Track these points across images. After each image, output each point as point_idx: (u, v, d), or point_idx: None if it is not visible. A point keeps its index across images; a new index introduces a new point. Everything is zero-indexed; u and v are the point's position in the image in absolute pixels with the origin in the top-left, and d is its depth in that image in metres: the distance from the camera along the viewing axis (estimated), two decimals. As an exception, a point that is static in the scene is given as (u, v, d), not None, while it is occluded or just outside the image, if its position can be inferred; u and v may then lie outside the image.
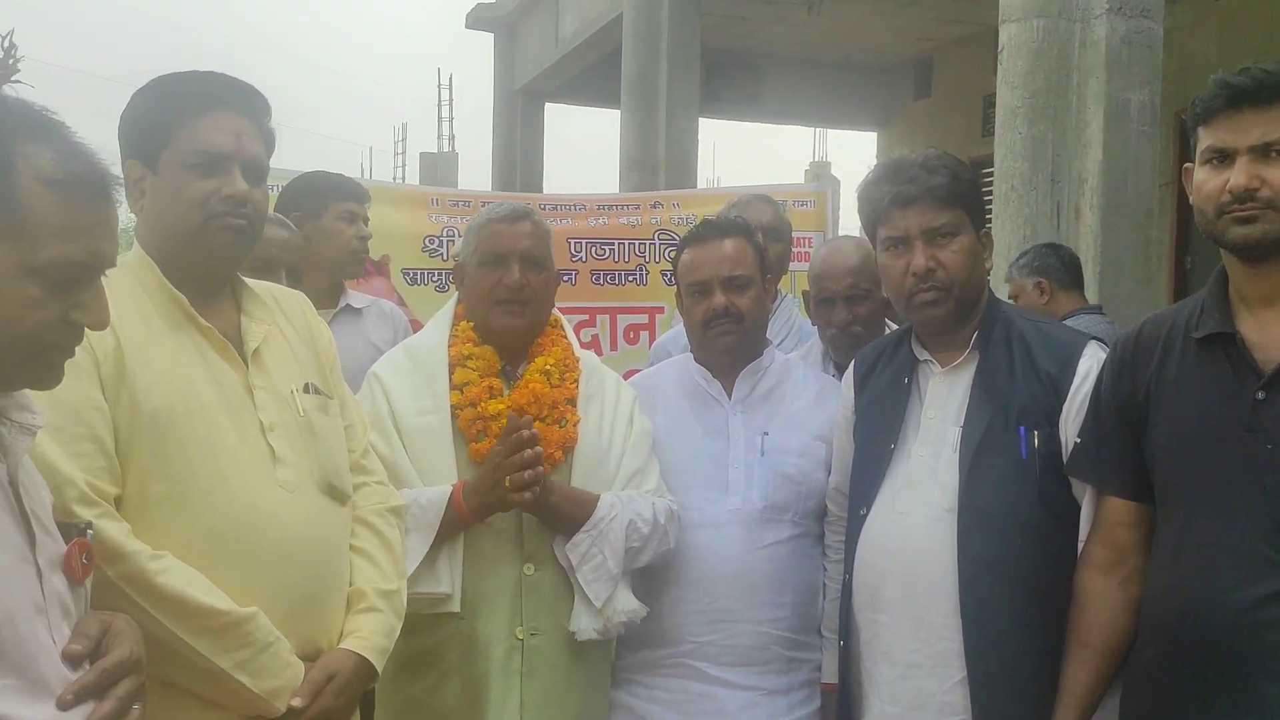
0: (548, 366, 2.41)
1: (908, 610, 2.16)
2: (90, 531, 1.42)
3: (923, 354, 2.28)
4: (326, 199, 3.46)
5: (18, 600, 1.23)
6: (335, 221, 3.43)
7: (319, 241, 3.41)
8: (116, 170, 1.37)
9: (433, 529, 2.21)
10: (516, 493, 2.20)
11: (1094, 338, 2.21)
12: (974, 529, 2.09)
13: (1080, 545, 2.06)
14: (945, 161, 2.19)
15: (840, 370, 2.93)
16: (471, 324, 2.46)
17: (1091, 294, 4.11)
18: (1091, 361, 2.10)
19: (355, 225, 3.46)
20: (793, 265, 4.29)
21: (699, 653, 2.44)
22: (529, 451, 2.20)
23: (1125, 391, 1.94)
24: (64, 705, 1.26)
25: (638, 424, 2.50)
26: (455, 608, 2.25)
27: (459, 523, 2.24)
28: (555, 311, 2.57)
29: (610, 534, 2.29)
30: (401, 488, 2.21)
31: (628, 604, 2.33)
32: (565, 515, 2.30)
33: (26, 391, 1.35)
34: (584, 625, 2.30)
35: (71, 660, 1.30)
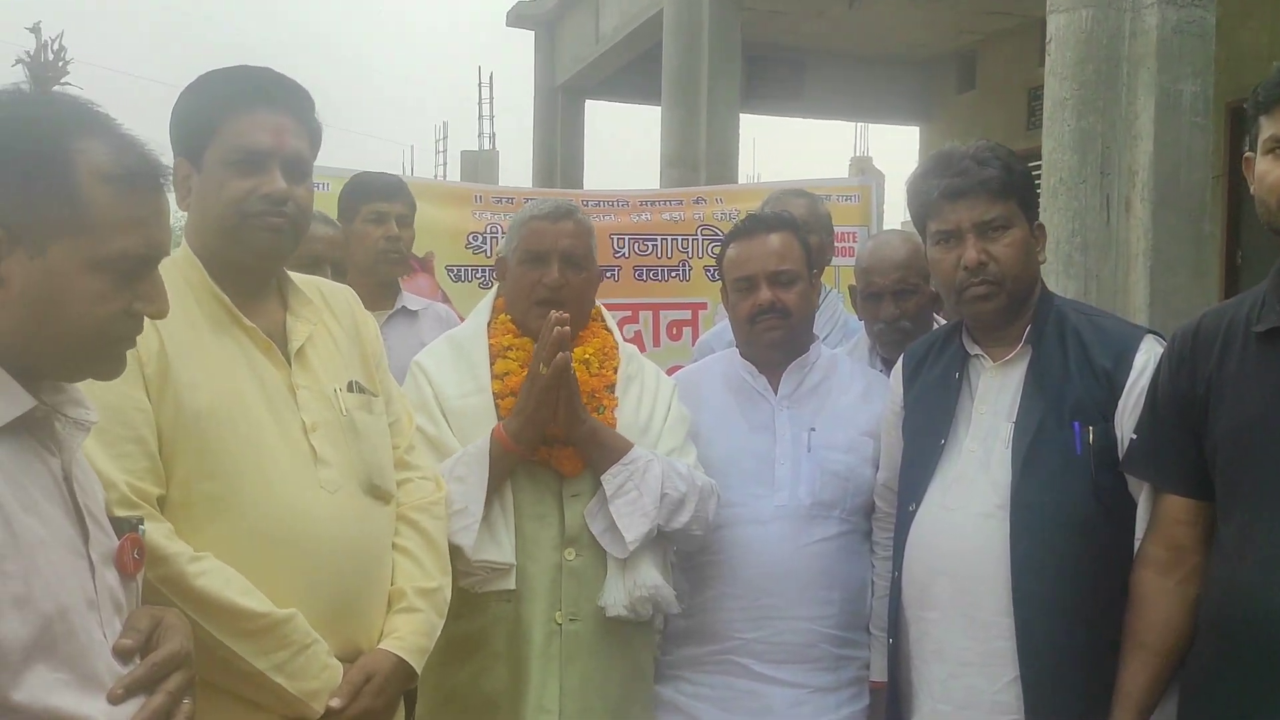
0: (587, 356, 2.42)
1: (959, 608, 2.13)
2: (142, 527, 1.43)
3: (974, 349, 2.24)
4: (357, 202, 3.49)
5: (71, 595, 1.24)
6: (364, 224, 3.45)
7: (353, 245, 3.44)
8: (166, 160, 1.38)
9: (484, 467, 2.23)
10: (549, 363, 2.21)
11: (1151, 331, 2.17)
12: (1026, 525, 2.06)
13: (1136, 543, 2.02)
14: (998, 153, 2.15)
15: (888, 365, 2.90)
16: (511, 317, 2.47)
17: (1142, 289, 4.04)
18: (1148, 356, 2.06)
19: (384, 225, 3.45)
20: (837, 260, 4.26)
21: (745, 649, 2.43)
22: (557, 330, 2.22)
23: (1184, 387, 1.90)
24: (114, 700, 1.27)
25: (675, 409, 2.51)
26: (513, 584, 2.26)
27: (504, 456, 2.25)
28: (599, 305, 2.57)
29: (648, 474, 2.29)
30: None
31: (653, 578, 2.31)
32: (601, 442, 2.31)
33: (79, 387, 1.37)
34: (613, 600, 2.29)
35: (122, 655, 1.31)
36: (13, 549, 1.17)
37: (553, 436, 2.30)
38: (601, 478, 2.30)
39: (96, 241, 1.26)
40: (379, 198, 3.49)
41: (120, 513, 1.56)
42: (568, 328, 2.25)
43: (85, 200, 1.25)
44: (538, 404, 2.24)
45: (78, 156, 1.25)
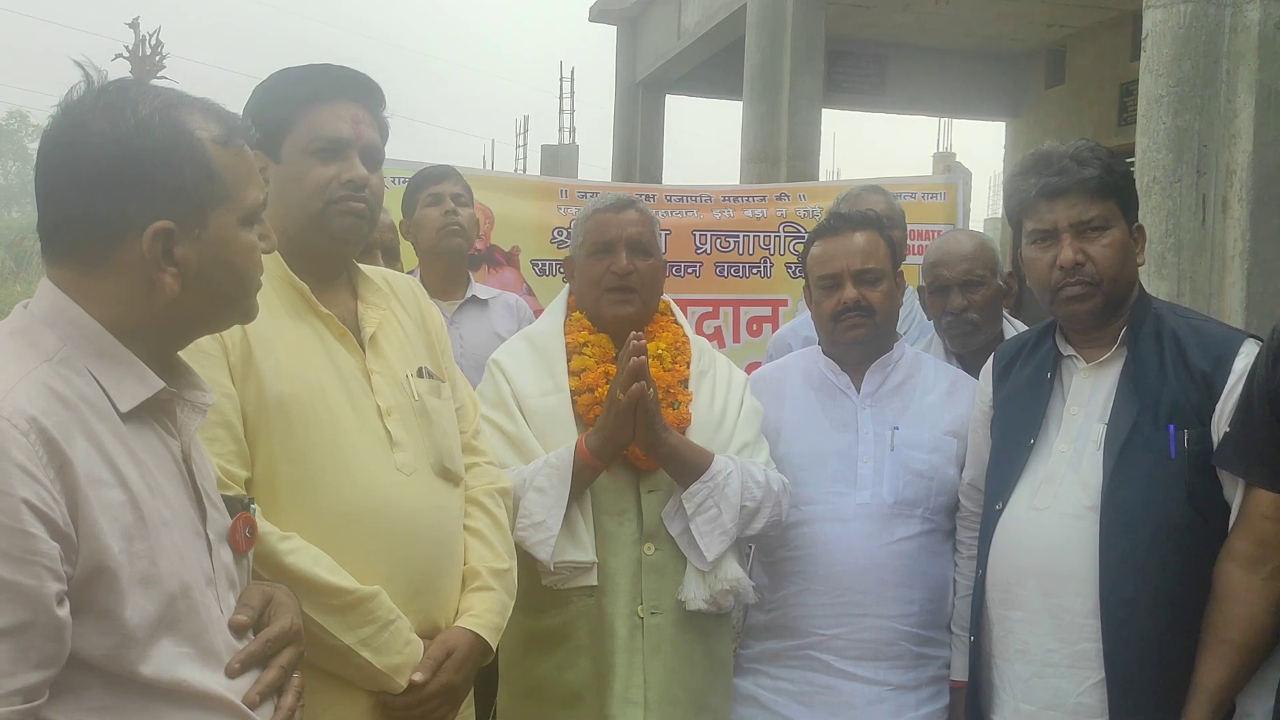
0: (660, 351, 2.44)
1: (1045, 608, 2.11)
2: (254, 506, 1.48)
3: (1067, 350, 2.22)
4: (415, 193, 3.65)
5: (192, 573, 1.30)
6: (424, 210, 3.60)
7: (416, 233, 3.62)
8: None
9: (566, 481, 2.25)
10: (627, 392, 2.21)
11: (1251, 335, 2.12)
12: (1117, 527, 2.03)
13: (1229, 543, 1.99)
14: (1098, 154, 2.12)
15: (961, 362, 2.88)
16: (583, 312, 2.50)
17: (1238, 291, 3.94)
18: (1248, 360, 2.01)
19: (441, 205, 3.58)
20: (916, 258, 4.22)
21: (825, 645, 2.43)
22: (634, 360, 2.22)
23: None
24: (232, 673, 1.33)
25: (748, 402, 2.51)
26: (595, 580, 2.29)
27: (586, 470, 2.28)
28: (666, 298, 2.58)
29: (727, 489, 2.30)
30: (530, 463, 2.29)
31: (733, 572, 2.33)
32: (683, 459, 2.31)
33: (196, 372, 1.43)
34: (693, 594, 2.31)
35: (237, 630, 1.37)
36: (141, 530, 1.22)
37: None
38: (682, 496, 2.31)
39: (237, 201, 1.35)
40: (431, 182, 3.63)
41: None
42: (645, 356, 2.25)
43: (219, 170, 1.33)
44: (616, 426, 2.26)
45: (199, 134, 1.32)
